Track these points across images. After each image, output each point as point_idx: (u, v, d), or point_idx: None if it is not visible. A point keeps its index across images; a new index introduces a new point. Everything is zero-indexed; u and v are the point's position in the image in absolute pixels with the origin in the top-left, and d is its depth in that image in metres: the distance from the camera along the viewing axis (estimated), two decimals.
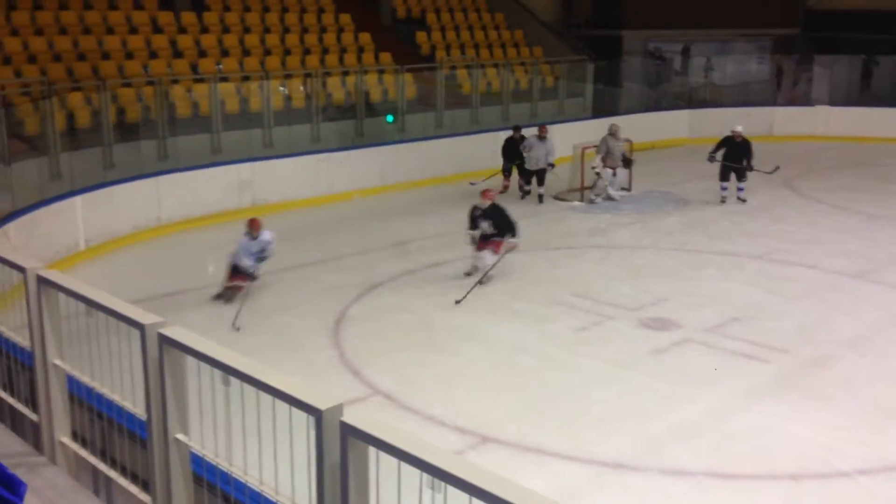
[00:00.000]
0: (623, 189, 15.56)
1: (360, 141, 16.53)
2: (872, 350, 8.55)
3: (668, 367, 8.22)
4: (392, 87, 17.55)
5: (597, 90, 21.53)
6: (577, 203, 15.03)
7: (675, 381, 7.89)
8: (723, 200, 14.68)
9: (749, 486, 6.11)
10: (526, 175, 15.13)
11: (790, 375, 7.99)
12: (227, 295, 9.86)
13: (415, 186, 15.97)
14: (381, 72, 17.96)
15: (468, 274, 10.75)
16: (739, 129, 14.61)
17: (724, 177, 14.65)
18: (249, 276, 9.83)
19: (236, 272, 9.87)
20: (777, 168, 14.87)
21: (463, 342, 8.67)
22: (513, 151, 15.28)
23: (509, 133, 15.64)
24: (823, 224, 13.61)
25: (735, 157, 14.49)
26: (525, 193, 15.22)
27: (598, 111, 20.91)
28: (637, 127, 18.25)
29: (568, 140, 16.12)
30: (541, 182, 14.91)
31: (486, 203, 10.84)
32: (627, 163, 15.25)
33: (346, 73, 17.33)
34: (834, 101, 22.53)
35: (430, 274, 11.13)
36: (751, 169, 14.46)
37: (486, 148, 17.09)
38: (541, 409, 7.33)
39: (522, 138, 15.28)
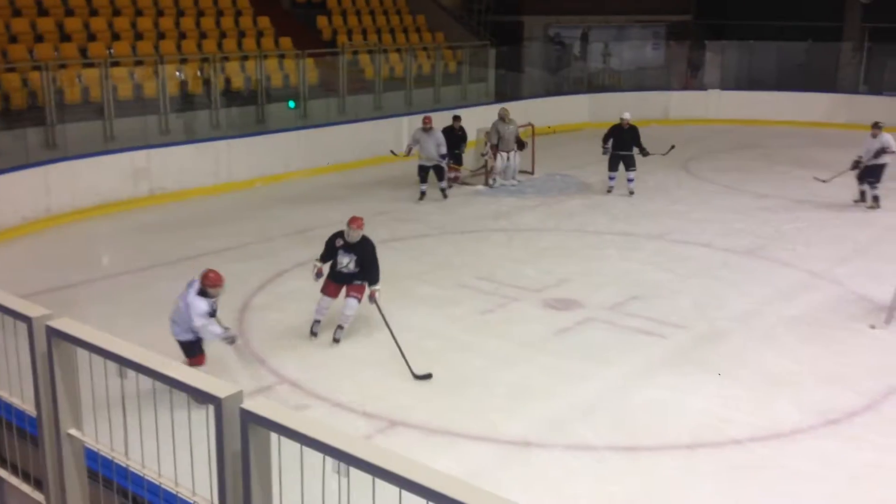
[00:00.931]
0: (526, 172, 15.78)
1: (261, 127, 16.25)
2: (762, 323, 8.95)
3: (571, 346, 8.41)
4: (293, 72, 17.30)
5: (499, 75, 21.74)
6: (480, 187, 15.16)
7: (578, 359, 8.09)
8: (609, 190, 14.55)
9: (648, 458, 6.32)
10: (421, 172, 14.04)
11: (686, 350, 8.29)
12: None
13: (318, 173, 15.81)
14: (282, 57, 17.68)
15: (314, 334, 8.31)
16: (627, 116, 14.48)
17: (612, 166, 14.46)
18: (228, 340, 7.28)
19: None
20: (672, 148, 15.07)
21: (370, 328, 8.65)
22: (452, 142, 14.71)
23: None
24: (716, 204, 14.13)
25: (624, 144, 14.33)
26: (421, 195, 14.09)
27: (501, 96, 21.12)
28: (539, 111, 18.54)
29: (472, 125, 16.22)
30: (440, 177, 14.11)
31: (356, 234, 8.23)
32: (521, 145, 15.45)
33: (245, 58, 16.98)
34: (724, 86, 23.38)
35: None
36: (645, 154, 14.41)
37: (390, 134, 17.06)
38: (448, 391, 7.40)
39: (460, 129, 15.01)
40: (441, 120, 14.94)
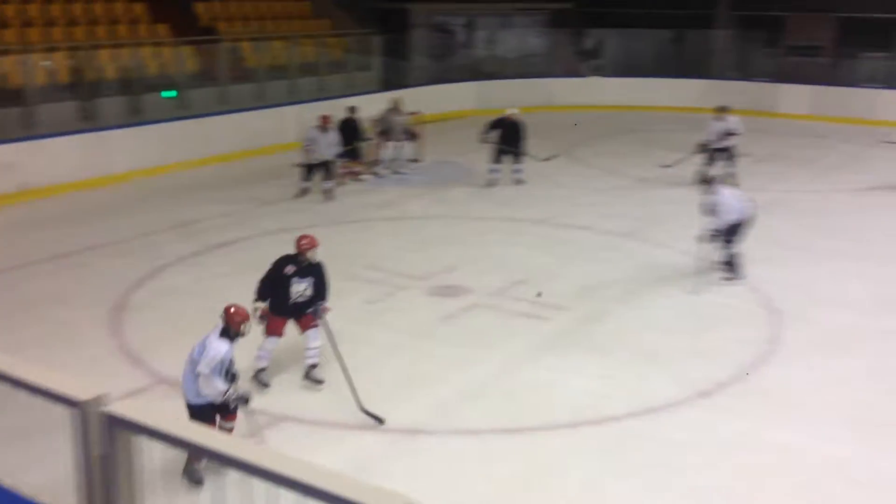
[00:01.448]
0: (413, 160, 15.82)
1: (137, 118, 15.67)
2: (640, 302, 9.29)
3: (458, 332, 8.52)
4: (170, 60, 16.75)
5: (386, 63, 21.65)
6: (367, 177, 15.11)
7: (464, 344, 8.20)
8: (491, 184, 14.23)
9: (531, 438, 6.49)
10: (308, 170, 13.37)
11: (568, 332, 8.53)
12: None
13: (199, 164, 15.39)
14: (158, 45, 17.08)
15: (265, 384, 7.20)
16: (514, 111, 14.39)
17: (496, 159, 14.31)
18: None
19: None
20: (554, 156, 15.08)
21: (253, 322, 8.51)
22: (350, 134, 14.35)
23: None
24: (597, 188, 14.53)
25: (509, 139, 14.23)
26: (304, 192, 13.45)
27: (388, 84, 21.03)
28: (426, 99, 18.58)
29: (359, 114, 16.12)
30: (327, 177, 13.41)
31: (314, 253, 7.24)
32: (412, 136, 15.48)
33: (119, 46, 16.33)
34: (605, 73, 24.04)
35: (218, 254, 10.82)
36: (523, 154, 14.36)
37: (273, 123, 16.78)
38: (336, 383, 7.35)
39: (353, 121, 14.59)
40: (333, 112, 14.59)
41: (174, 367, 7.49)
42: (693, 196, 10.40)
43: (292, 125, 15.91)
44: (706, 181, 10.28)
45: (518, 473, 6.04)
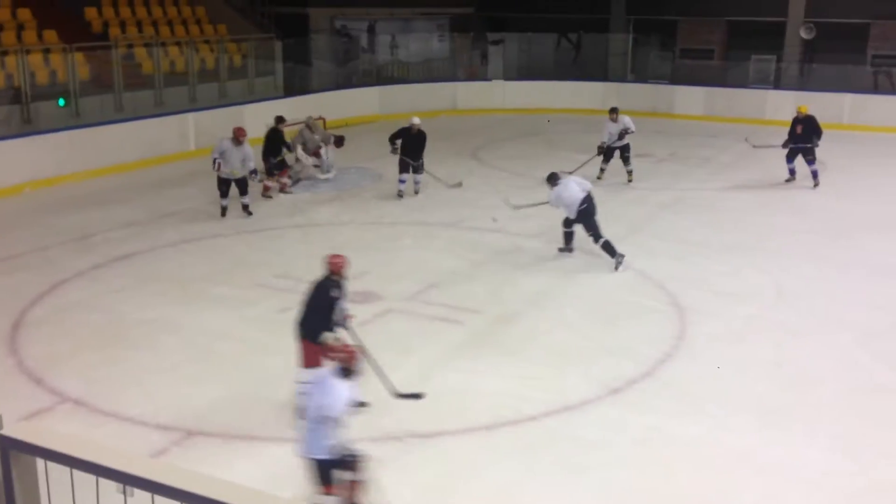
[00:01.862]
0: (318, 167, 15.63)
1: (27, 128, 14.99)
2: (552, 303, 9.41)
3: (372, 339, 8.37)
4: (61, 68, 16.09)
5: (287, 68, 21.36)
6: (291, 189, 14.82)
7: (379, 350, 8.06)
8: (399, 194, 13.96)
9: (449, 442, 6.47)
10: (222, 186, 12.52)
11: (482, 334, 8.56)
12: None
13: (96, 175, 14.82)
14: (47, 51, 16.38)
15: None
16: (416, 121, 14.16)
17: (402, 169, 14.04)
18: None
19: None
20: (458, 185, 14.66)
21: (158, 335, 8.24)
22: (276, 145, 13.93)
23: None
24: (505, 191, 14.65)
25: (412, 149, 13.98)
26: (224, 211, 12.65)
27: (291, 90, 20.78)
28: (330, 104, 18.44)
29: (261, 120, 15.84)
30: (243, 192, 12.67)
31: (345, 273, 7.11)
32: (340, 142, 15.39)
33: (4, 53, 15.59)
34: (507, 76, 24.34)
35: (118, 267, 10.42)
36: (421, 168, 14.14)
37: (173, 131, 16.32)
38: (246, 395, 7.19)
39: (279, 131, 14.12)
40: (253, 126, 14.03)
41: (78, 384, 7.21)
42: (603, 195, 10.66)
43: (193, 133, 15.51)
44: (551, 178, 10.86)
45: (439, 477, 6.02)
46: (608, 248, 10.43)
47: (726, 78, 23.49)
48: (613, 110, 15.01)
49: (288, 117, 15.05)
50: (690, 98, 23.01)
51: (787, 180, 14.86)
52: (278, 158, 14.03)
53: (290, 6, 23.06)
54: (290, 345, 8.16)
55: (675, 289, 9.71)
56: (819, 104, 21.69)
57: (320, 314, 6.81)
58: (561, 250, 11.02)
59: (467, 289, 9.75)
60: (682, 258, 10.84)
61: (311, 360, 6.63)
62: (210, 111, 17.22)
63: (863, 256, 10.80)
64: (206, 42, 19.98)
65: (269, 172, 13.91)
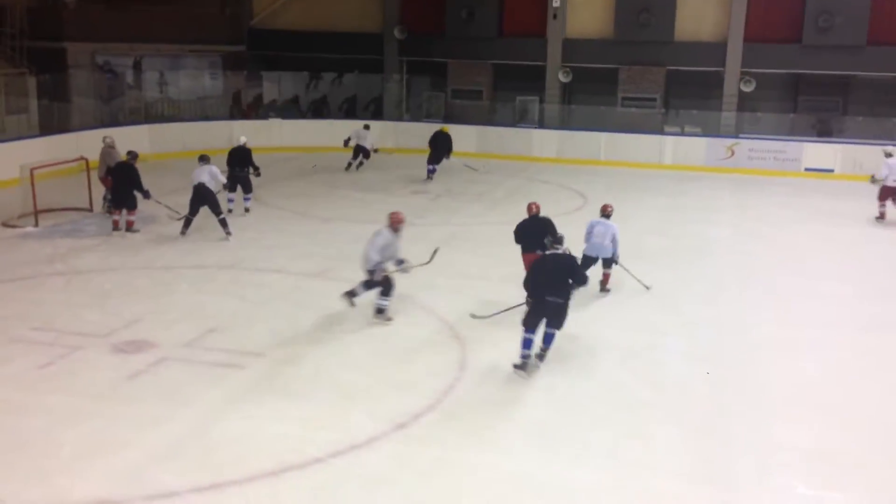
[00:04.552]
0: (83, 209, 14.67)
1: None
2: (336, 342, 9.35)
3: (146, 390, 7.96)
4: None
5: (43, 105, 19.93)
6: (30, 228, 13.73)
7: (154, 402, 7.68)
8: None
9: (232, 492, 6.21)
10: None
11: (265, 378, 8.33)
12: None
13: None
14: None
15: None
16: (243, 140, 15.62)
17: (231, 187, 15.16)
18: None
19: None
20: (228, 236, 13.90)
21: None
22: (123, 181, 13.62)
23: None
24: (286, 230, 14.51)
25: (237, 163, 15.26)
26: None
27: (47, 128, 19.40)
28: (94, 143, 17.32)
29: (14, 161, 14.64)
30: None
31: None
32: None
33: None
34: (285, 115, 24.18)
35: None
36: (258, 174, 15.58)
37: None
38: (2, 459, 6.53)
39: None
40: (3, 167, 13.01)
41: None
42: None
43: None
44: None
45: None
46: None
47: (495, 117, 24.73)
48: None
49: (45, 157, 14.04)
50: (463, 136, 23.96)
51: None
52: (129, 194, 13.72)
53: (45, 41, 21.53)
54: (53, 401, 7.55)
55: (455, 321, 9.99)
56: (579, 142, 23.49)
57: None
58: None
59: (249, 331, 9.49)
60: (461, 291, 11.18)
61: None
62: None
63: (621, 279, 11.62)
64: None
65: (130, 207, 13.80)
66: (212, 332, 9.43)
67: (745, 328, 10.17)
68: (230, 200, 15.15)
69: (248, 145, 15.62)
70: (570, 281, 8.70)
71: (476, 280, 11.80)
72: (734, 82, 23.15)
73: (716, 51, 23.20)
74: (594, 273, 10.82)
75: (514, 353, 9.11)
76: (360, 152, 20.45)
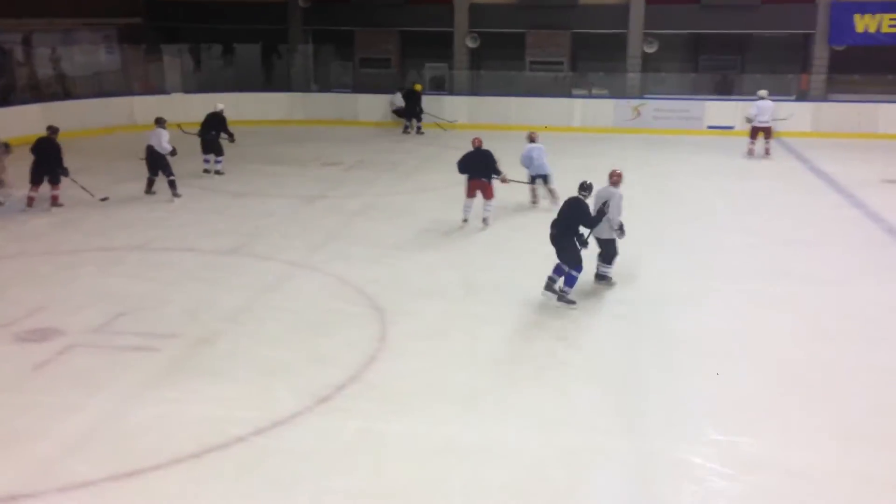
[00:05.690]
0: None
1: None
2: (252, 319, 9.19)
3: (54, 379, 7.67)
4: None
5: None
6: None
7: (64, 391, 7.42)
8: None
9: (151, 478, 6.05)
10: None
11: (181, 359, 8.12)
12: None
13: None
14: None
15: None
16: (220, 106, 16.95)
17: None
18: None
19: None
20: (105, 198, 14.27)
21: None
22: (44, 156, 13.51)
23: None
24: (195, 207, 14.13)
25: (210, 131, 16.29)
26: None
27: None
28: None
29: None
30: None
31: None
32: (6, 149, 13.95)
33: None
34: (187, 89, 23.46)
35: None
36: (232, 139, 16.66)
37: None
38: None
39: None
40: None
41: None
42: (292, 207, 10.57)
43: None
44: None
45: None
46: None
47: (404, 85, 24.57)
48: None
49: None
50: (372, 105, 23.77)
51: None
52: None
53: None
54: None
55: (373, 292, 9.93)
56: (490, 107, 23.56)
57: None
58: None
59: (161, 313, 9.23)
60: (378, 261, 11.13)
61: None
62: None
63: (535, 246, 11.75)
64: None
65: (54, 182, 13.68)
66: (121, 315, 9.14)
67: (655, 283, 10.42)
68: (206, 161, 16.51)
69: (225, 113, 16.94)
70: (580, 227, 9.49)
71: (392, 249, 11.75)
72: (638, 44, 23.56)
73: (619, 13, 23.52)
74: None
75: (432, 321, 9.14)
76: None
